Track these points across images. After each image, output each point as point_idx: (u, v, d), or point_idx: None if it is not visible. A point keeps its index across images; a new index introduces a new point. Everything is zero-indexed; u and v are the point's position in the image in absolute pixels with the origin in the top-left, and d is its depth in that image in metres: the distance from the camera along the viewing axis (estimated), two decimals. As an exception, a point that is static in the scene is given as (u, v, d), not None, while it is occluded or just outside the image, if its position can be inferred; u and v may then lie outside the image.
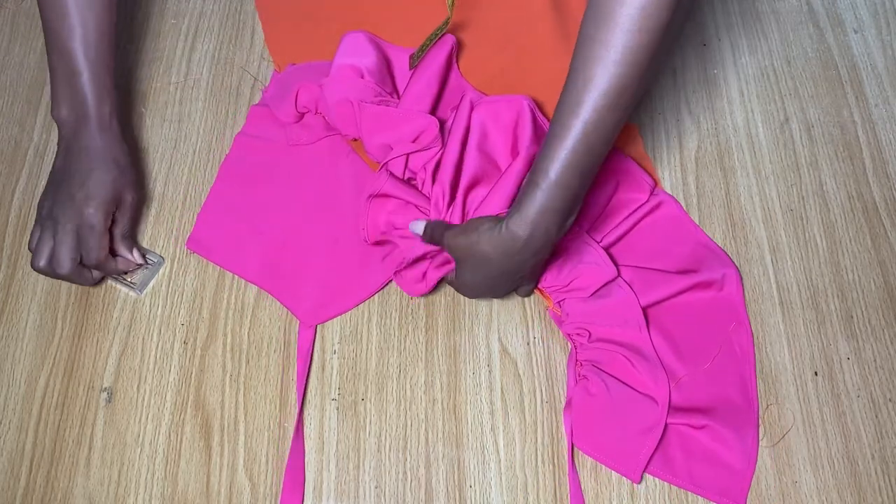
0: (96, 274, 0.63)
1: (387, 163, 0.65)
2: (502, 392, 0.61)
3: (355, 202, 0.67)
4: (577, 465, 0.59)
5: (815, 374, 0.62)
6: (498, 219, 0.55)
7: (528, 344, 0.63)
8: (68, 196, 0.60)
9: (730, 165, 0.72)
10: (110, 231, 0.62)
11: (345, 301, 0.64)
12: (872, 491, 0.58)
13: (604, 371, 0.60)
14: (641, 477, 0.58)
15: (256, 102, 0.74)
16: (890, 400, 0.61)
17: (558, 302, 0.63)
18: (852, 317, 0.65)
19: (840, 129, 0.74)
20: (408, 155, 0.64)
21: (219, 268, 0.66)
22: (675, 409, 0.59)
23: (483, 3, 0.73)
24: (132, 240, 0.65)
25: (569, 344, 0.63)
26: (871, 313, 0.65)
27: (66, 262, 0.59)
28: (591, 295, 0.62)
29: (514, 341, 0.63)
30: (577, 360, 0.62)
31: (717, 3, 0.81)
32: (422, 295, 0.63)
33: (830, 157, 0.72)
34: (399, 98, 0.69)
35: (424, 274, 0.61)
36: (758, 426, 0.60)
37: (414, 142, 0.65)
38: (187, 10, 0.80)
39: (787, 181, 0.71)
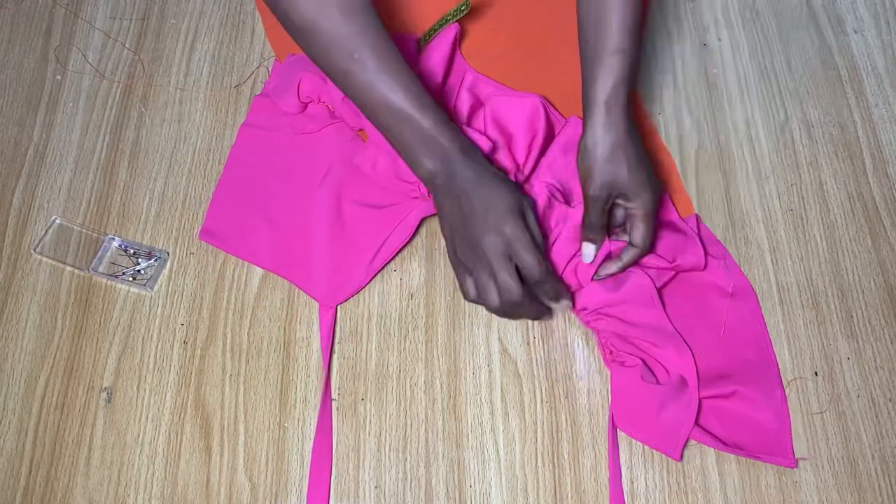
0: (553, 305, 0.59)
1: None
2: (502, 392, 0.61)
3: (358, 184, 0.68)
4: (577, 467, 0.59)
5: (815, 374, 0.62)
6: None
7: (528, 344, 0.63)
8: (480, 229, 0.55)
9: (730, 166, 0.72)
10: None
11: (359, 277, 0.65)
12: (872, 491, 0.58)
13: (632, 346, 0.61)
14: (682, 455, 0.58)
15: (258, 93, 0.74)
16: (890, 400, 0.61)
17: (573, 292, 0.63)
18: (852, 317, 0.65)
19: (840, 129, 0.74)
20: None
21: (219, 268, 0.66)
22: (700, 380, 0.60)
23: None
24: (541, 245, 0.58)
25: (570, 347, 0.63)
26: (871, 313, 0.65)
27: (514, 288, 0.55)
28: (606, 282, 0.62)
29: (514, 341, 0.63)
30: (602, 343, 0.62)
31: (717, 3, 0.81)
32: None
33: (830, 157, 0.72)
34: None
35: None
36: (781, 380, 0.61)
37: None
38: (187, 10, 0.80)
39: (787, 181, 0.71)
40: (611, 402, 0.60)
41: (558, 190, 0.65)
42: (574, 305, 0.62)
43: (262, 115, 0.72)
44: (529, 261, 0.55)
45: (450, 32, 0.72)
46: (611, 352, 0.61)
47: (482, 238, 0.55)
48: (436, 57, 0.70)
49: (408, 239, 0.65)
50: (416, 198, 0.66)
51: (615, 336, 0.61)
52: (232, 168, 0.70)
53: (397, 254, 0.66)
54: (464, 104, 0.68)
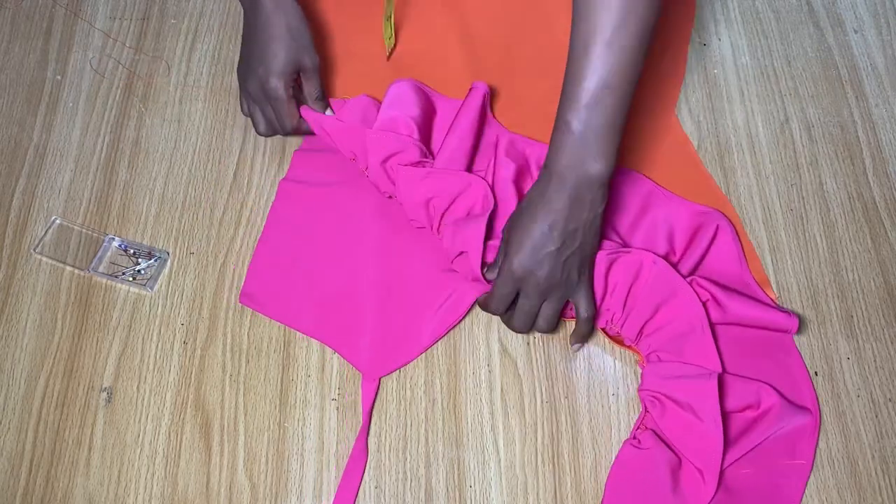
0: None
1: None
2: (502, 392, 0.61)
3: (406, 248, 0.66)
4: (577, 467, 0.59)
5: (815, 374, 0.62)
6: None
7: (528, 344, 0.63)
8: (252, 72, 0.66)
9: (730, 165, 0.72)
10: (303, 95, 0.68)
11: (406, 351, 0.62)
12: (872, 491, 0.58)
13: (659, 435, 0.58)
14: None
15: (298, 148, 0.72)
16: (890, 400, 0.61)
17: (647, 355, 0.61)
18: (852, 317, 0.65)
19: (840, 129, 0.74)
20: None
21: (219, 268, 0.66)
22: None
23: (510, 42, 0.73)
24: (325, 101, 0.69)
25: (570, 347, 0.63)
26: (871, 313, 0.65)
27: (263, 130, 0.68)
28: (671, 332, 0.59)
29: (514, 341, 0.63)
30: (641, 424, 0.59)
31: (717, 3, 0.82)
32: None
33: (830, 157, 0.72)
34: (433, 154, 0.67)
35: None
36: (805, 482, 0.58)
37: (454, 202, 0.63)
38: (187, 10, 0.80)
39: (787, 181, 0.71)
40: (609, 476, 0.58)
41: (619, 243, 0.63)
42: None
43: (303, 169, 0.69)
44: (282, 117, 0.66)
45: (477, 95, 0.68)
46: (643, 429, 0.58)
47: (248, 81, 0.66)
48: (464, 124, 0.66)
49: (461, 318, 0.63)
50: (476, 279, 0.63)
51: (659, 417, 0.57)
52: (272, 225, 0.67)
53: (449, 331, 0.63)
54: (506, 169, 0.65)
